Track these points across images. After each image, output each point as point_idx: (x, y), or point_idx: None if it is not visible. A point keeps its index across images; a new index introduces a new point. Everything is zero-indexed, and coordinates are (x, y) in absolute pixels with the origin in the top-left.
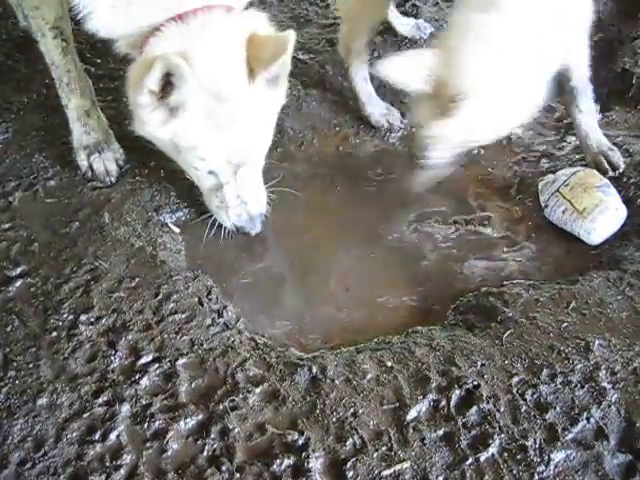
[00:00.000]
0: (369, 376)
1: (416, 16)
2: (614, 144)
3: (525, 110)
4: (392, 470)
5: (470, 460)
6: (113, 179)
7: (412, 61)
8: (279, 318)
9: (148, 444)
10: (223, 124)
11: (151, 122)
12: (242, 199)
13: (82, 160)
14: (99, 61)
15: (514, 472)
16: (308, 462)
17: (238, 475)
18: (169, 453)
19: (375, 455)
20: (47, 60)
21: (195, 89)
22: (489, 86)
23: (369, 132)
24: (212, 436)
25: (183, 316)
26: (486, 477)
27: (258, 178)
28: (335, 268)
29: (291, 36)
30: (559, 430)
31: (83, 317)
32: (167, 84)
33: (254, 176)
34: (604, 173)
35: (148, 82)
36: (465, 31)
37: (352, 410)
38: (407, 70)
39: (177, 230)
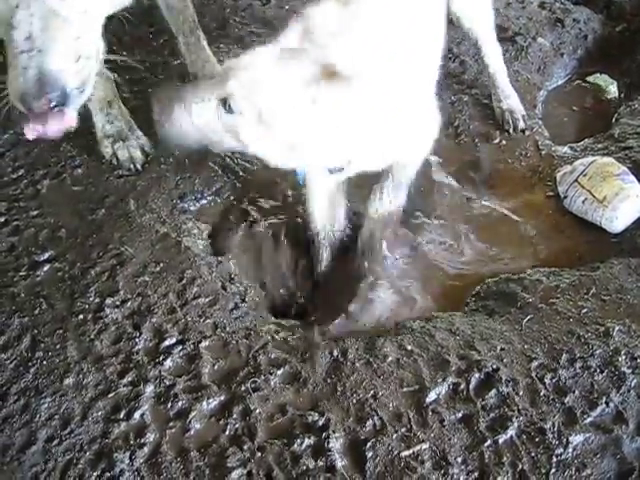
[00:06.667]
0: (389, 359)
1: None
2: (636, 133)
3: None
4: (411, 451)
5: (489, 442)
6: (138, 166)
7: None
8: None
9: (171, 423)
10: None
11: None
12: (35, 44)
13: (106, 148)
14: (125, 53)
15: (532, 454)
16: (328, 442)
17: (259, 454)
18: (192, 432)
19: (394, 436)
20: None
21: None
22: None
23: None
24: (234, 416)
25: (206, 300)
26: (504, 459)
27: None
28: None
29: None
30: (578, 414)
31: (109, 300)
32: None
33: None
34: (506, 130)
35: None
36: None
37: (372, 392)
38: None
39: None
